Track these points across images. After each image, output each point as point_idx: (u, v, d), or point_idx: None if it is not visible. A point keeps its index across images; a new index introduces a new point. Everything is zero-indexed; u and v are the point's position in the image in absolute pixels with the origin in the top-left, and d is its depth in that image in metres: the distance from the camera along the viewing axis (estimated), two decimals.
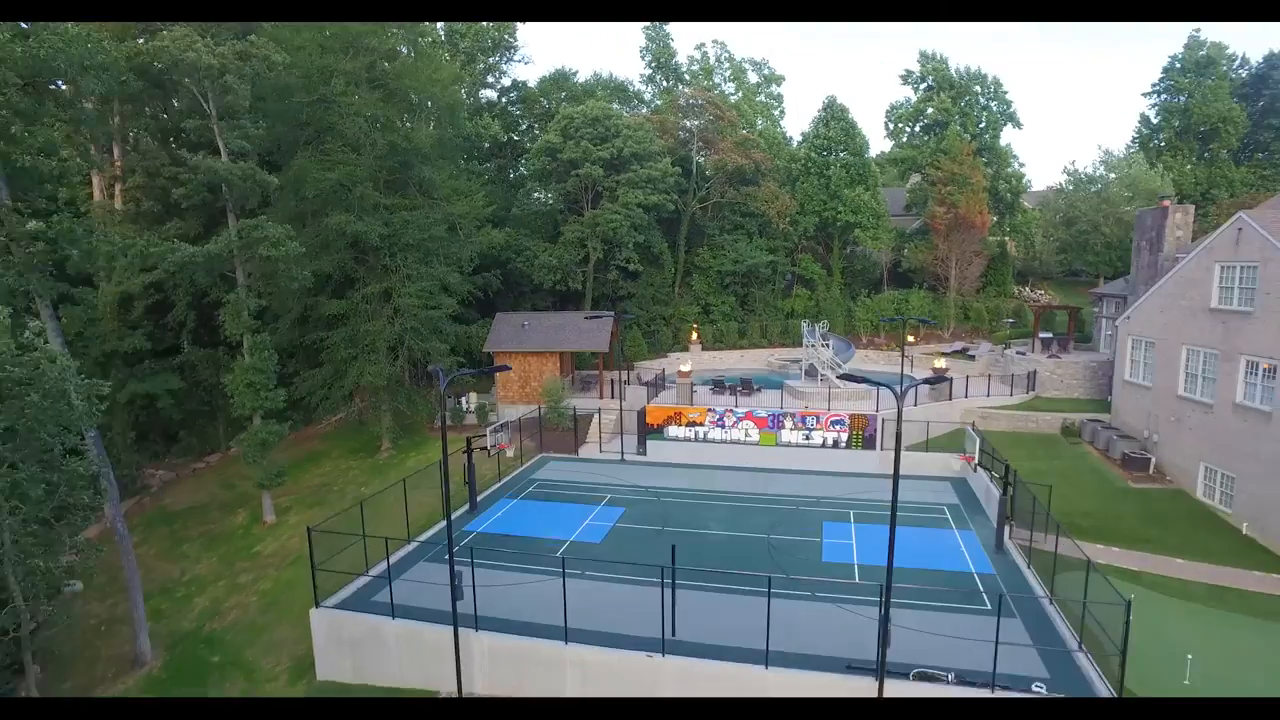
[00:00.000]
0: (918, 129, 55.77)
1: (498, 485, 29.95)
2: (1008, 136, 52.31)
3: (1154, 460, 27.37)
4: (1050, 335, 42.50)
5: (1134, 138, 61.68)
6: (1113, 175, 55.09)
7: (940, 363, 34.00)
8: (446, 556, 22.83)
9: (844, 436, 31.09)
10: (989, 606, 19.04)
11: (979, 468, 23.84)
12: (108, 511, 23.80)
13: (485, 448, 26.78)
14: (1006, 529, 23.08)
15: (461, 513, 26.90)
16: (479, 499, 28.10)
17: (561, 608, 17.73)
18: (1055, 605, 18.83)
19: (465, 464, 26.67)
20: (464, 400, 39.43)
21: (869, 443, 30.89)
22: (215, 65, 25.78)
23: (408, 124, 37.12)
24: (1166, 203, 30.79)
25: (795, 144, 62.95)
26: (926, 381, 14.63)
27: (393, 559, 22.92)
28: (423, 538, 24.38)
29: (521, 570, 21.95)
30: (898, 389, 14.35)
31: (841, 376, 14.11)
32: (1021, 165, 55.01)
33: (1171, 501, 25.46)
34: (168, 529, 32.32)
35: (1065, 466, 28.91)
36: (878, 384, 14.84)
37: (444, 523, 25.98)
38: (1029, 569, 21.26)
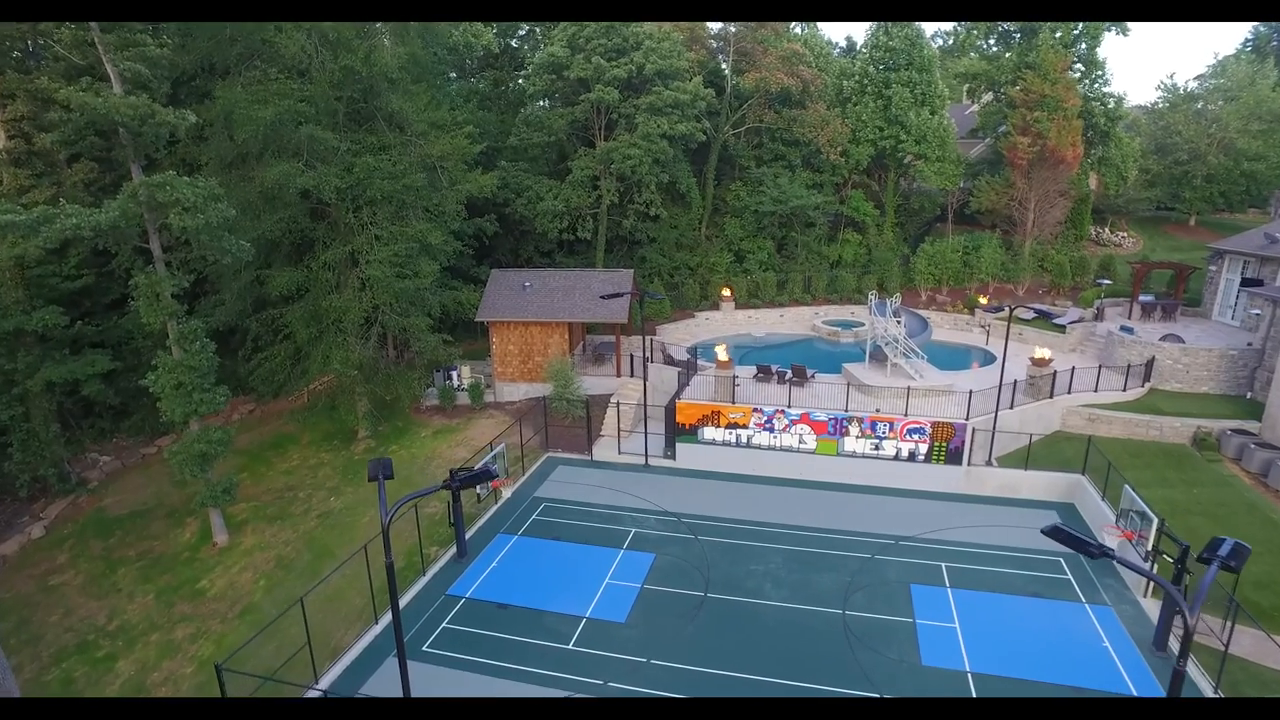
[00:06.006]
0: (993, 39, 46.60)
1: (495, 510, 24.20)
2: (1107, 45, 42.98)
3: None
4: (1152, 298, 35.57)
5: (1247, 39, 52.02)
6: (1214, 83, 46.09)
7: (1043, 352, 27.37)
8: (424, 646, 17.79)
9: (923, 448, 25.00)
10: None
11: (1156, 554, 17.44)
12: None
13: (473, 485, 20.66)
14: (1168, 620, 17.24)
15: (448, 559, 21.29)
16: (471, 534, 22.44)
17: None
18: None
19: (449, 502, 20.86)
20: (455, 375, 33.28)
21: (953, 457, 24.80)
22: None
23: (381, 38, 28.96)
24: None
25: (838, 52, 53.80)
26: (1224, 564, 8.29)
27: (357, 647, 17.60)
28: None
29: (520, 674, 16.39)
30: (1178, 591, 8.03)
31: (1052, 531, 7.53)
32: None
33: None
34: (102, 544, 27.02)
35: (1208, 498, 22.87)
36: (1163, 585, 8.48)
37: (424, 579, 20.60)
38: (1216, 693, 15.55)
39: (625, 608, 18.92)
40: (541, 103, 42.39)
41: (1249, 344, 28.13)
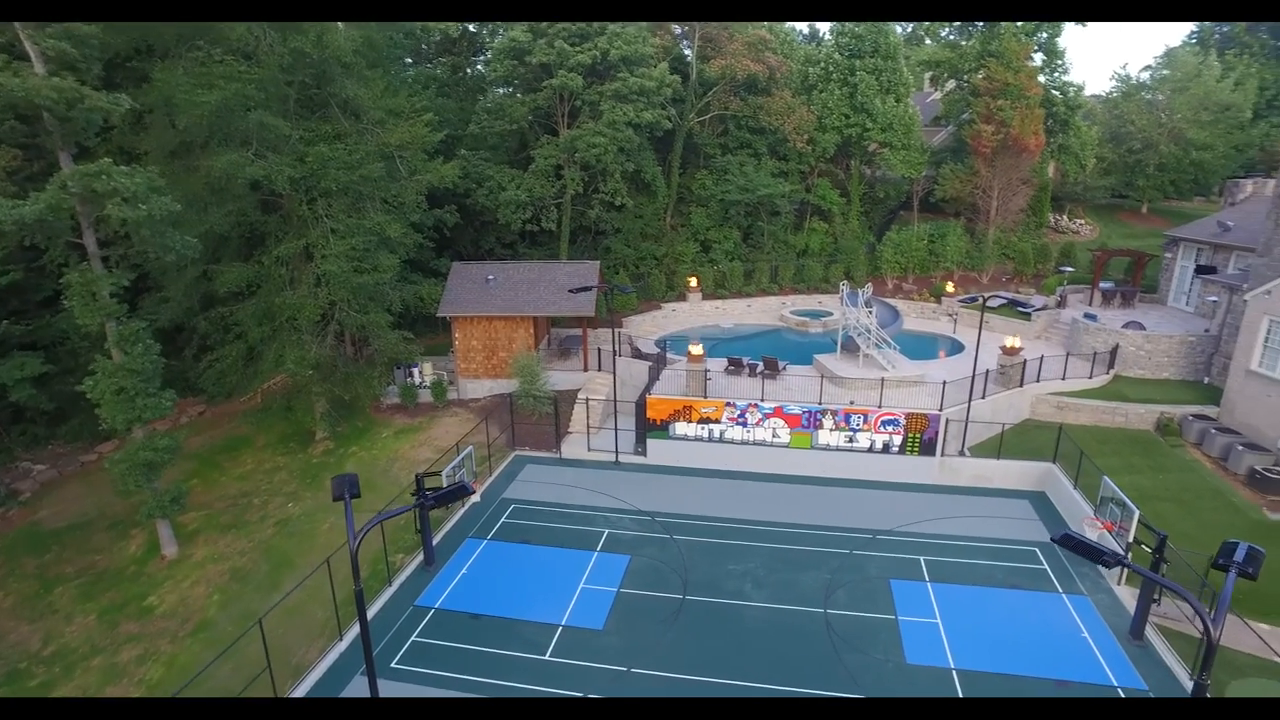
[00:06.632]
0: (953, 27, 46.71)
1: (462, 513, 23.34)
2: (1066, 35, 43.52)
3: None
4: (1112, 285, 36.17)
5: (1193, 31, 53.31)
6: (1165, 73, 47.07)
7: (1013, 340, 27.45)
8: (392, 663, 16.92)
9: (897, 440, 24.88)
10: None
11: (1136, 545, 17.45)
12: None
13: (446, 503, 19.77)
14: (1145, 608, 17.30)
15: (415, 567, 20.38)
16: (439, 539, 21.54)
17: None
18: None
19: (416, 514, 19.93)
20: (416, 372, 32.13)
21: (926, 448, 24.75)
22: None
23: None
24: None
25: (802, 39, 53.46)
26: (1241, 571, 8.01)
27: (320, 666, 16.67)
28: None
29: (495, 689, 15.69)
30: None
31: (1063, 539, 7.13)
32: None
33: None
34: (36, 561, 25.26)
35: (1174, 484, 23.20)
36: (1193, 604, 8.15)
37: (391, 589, 19.68)
38: (1193, 680, 15.61)
39: (602, 614, 18.31)
40: (502, 89, 41.12)
41: (1206, 330, 28.68)
